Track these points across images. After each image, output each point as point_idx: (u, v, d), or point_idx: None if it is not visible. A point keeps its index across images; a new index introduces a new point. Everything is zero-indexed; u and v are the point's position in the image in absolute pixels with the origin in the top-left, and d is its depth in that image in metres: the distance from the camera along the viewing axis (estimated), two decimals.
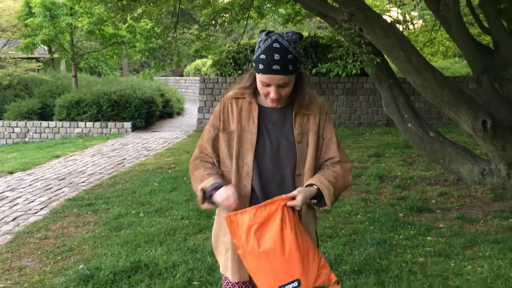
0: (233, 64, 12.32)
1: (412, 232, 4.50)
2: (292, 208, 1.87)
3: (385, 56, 6.57)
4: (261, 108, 1.99)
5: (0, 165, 9.03)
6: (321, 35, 11.89)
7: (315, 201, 1.95)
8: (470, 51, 6.09)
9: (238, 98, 2.00)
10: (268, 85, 1.87)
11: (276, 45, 1.80)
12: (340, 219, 5.02)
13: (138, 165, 8.40)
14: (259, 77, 1.88)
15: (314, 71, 7.53)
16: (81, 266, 3.93)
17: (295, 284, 1.83)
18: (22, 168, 8.45)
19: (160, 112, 14.47)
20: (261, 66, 1.83)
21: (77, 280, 3.67)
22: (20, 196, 6.42)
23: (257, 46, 1.89)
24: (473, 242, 4.22)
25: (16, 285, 3.71)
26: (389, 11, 17.46)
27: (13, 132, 13.31)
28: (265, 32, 1.87)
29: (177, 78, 24.34)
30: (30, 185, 7.09)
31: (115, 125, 12.75)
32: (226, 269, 2.02)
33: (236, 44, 12.72)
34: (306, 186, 1.94)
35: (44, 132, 13.12)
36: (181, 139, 11.39)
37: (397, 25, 7.13)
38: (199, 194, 1.95)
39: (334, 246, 4.21)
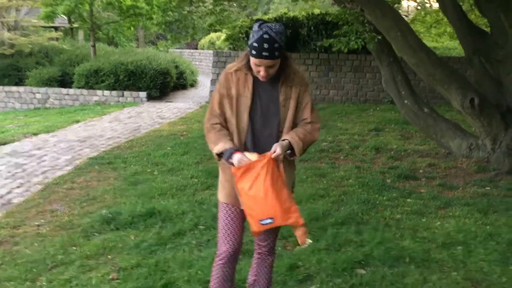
0: (245, 38, 12.76)
1: (395, 194, 5.06)
2: (277, 161, 2.44)
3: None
4: (254, 79, 2.50)
5: (25, 127, 9.71)
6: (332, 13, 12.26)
7: (289, 151, 2.51)
8: (463, 32, 6.52)
9: (237, 71, 2.51)
10: (258, 65, 2.38)
11: (266, 36, 2.30)
12: (333, 182, 5.58)
13: (153, 131, 9.01)
14: (252, 59, 2.39)
15: (319, 44, 7.94)
16: (103, 210, 4.57)
17: (270, 220, 2.36)
18: (45, 130, 9.11)
19: (174, 83, 15.02)
20: (253, 52, 2.34)
21: (101, 221, 4.30)
22: (46, 154, 7.08)
23: (251, 35, 2.37)
24: (447, 205, 4.76)
25: (49, 224, 4.36)
26: None
27: (34, 98, 13.99)
28: (258, 24, 2.35)
29: (192, 51, 24.78)
30: (54, 145, 7.75)
31: (131, 94, 13.35)
32: (223, 197, 2.61)
33: (249, 19, 13.13)
34: (282, 140, 2.47)
35: (64, 99, 13.77)
36: (194, 109, 11.96)
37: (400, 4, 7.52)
38: (215, 155, 2.49)
39: (324, 204, 4.79)
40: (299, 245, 3.87)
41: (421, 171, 6.12)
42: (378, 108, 11.44)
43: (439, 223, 4.26)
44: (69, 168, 6.30)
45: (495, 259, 3.50)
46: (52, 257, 3.66)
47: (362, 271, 3.39)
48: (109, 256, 3.70)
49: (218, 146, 2.46)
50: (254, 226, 2.40)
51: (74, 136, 8.57)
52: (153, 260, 3.57)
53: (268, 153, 2.40)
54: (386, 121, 9.65)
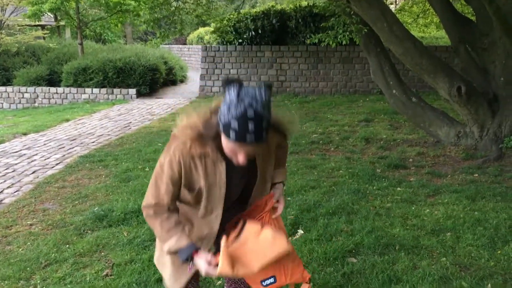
0: (233, 32, 12.75)
1: (385, 184, 5.12)
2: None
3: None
4: (227, 164, 1.87)
5: (14, 127, 9.66)
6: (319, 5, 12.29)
7: None
8: (449, 21, 6.58)
9: (202, 157, 1.85)
10: (237, 150, 1.72)
11: (250, 113, 1.60)
12: (323, 173, 5.63)
13: (143, 128, 9.00)
14: (227, 143, 1.71)
15: (308, 41, 8.00)
16: (96, 208, 4.58)
17: (272, 280, 2.01)
18: (35, 130, 9.07)
19: (164, 79, 14.97)
20: (231, 133, 1.65)
21: (93, 218, 4.32)
22: (37, 154, 7.05)
23: (224, 106, 1.66)
24: (436, 192, 4.83)
25: (41, 223, 4.37)
26: None
27: (22, 97, 13.88)
28: (235, 90, 1.63)
29: (180, 46, 24.70)
30: (44, 144, 7.73)
31: (120, 91, 13.29)
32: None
33: (237, 13, 13.11)
34: (277, 183, 2.16)
35: (53, 97, 13.68)
36: (184, 105, 11.95)
37: None
38: (169, 252, 1.94)
39: (315, 195, 4.83)
40: None
41: (410, 160, 6.19)
42: (367, 99, 11.50)
43: (428, 210, 4.32)
44: (60, 167, 6.29)
45: (483, 244, 3.57)
46: (46, 256, 3.68)
47: (353, 260, 3.44)
48: (103, 253, 3.72)
49: (170, 241, 1.89)
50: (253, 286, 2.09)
51: (64, 134, 8.54)
52: (146, 256, 3.59)
53: (265, 209, 2.07)
54: (376, 111, 9.72)
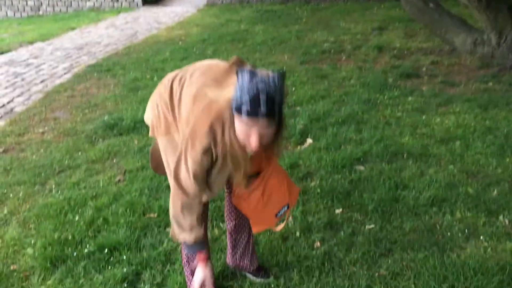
0: None
1: (396, 93, 5.04)
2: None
3: None
4: None
5: (20, 36, 9.49)
6: None
7: None
8: None
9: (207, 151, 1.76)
10: (249, 129, 1.62)
11: (261, 87, 1.55)
12: (334, 83, 5.54)
13: (150, 37, 8.80)
14: (239, 123, 1.64)
15: None
16: (106, 117, 4.60)
17: (285, 208, 2.06)
18: (41, 38, 8.92)
19: None
20: (244, 108, 1.58)
21: (104, 127, 4.35)
22: (44, 63, 6.99)
23: (238, 90, 1.59)
24: (448, 101, 4.75)
25: (53, 131, 4.42)
26: None
27: (26, 5, 13.51)
28: (248, 76, 1.57)
29: None
30: (51, 53, 7.63)
31: None
32: None
33: None
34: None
35: (57, 5, 13.30)
36: (191, 13, 11.58)
37: None
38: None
39: (325, 105, 4.79)
40: (299, 145, 3.94)
41: (424, 69, 6.04)
42: (382, 6, 11.03)
43: (439, 119, 4.28)
44: (68, 76, 6.25)
45: (492, 152, 3.56)
46: (59, 162, 3.76)
47: (361, 168, 3.47)
48: (114, 160, 3.80)
49: (194, 234, 1.88)
50: (266, 225, 2.16)
51: (71, 43, 8.40)
52: None
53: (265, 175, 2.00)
54: (390, 19, 9.36)
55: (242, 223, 2.27)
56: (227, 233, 2.35)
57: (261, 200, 1.99)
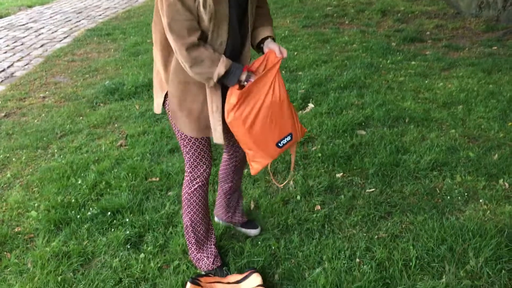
0: None
1: (399, 57, 4.99)
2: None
3: None
4: None
5: None
6: None
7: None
8: None
9: None
10: None
11: None
12: (336, 47, 5.48)
13: (151, 0, 8.65)
14: None
15: None
16: (107, 82, 4.58)
17: (289, 138, 1.94)
18: (40, 2, 8.79)
19: None
20: None
21: (105, 91, 4.34)
22: (43, 27, 6.90)
23: None
24: (452, 65, 4.71)
25: (54, 95, 4.41)
26: None
27: None
28: None
29: None
30: (50, 17, 7.53)
31: None
32: (194, 131, 2.02)
33: None
34: (264, 38, 1.99)
35: None
36: None
37: None
38: (212, 79, 1.84)
39: (327, 69, 4.75)
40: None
41: (427, 33, 5.95)
42: None
43: (441, 84, 4.25)
44: (67, 40, 6.19)
45: (494, 116, 3.55)
46: (61, 127, 3.76)
47: (362, 132, 3.47)
48: (116, 125, 3.80)
49: (221, 63, 1.81)
50: (267, 157, 1.96)
51: (70, 7, 8.27)
52: (158, 128, 3.66)
53: (274, 58, 1.89)
54: None
55: (236, 184, 2.42)
56: (221, 194, 2.46)
57: (258, 113, 1.85)
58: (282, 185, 2.16)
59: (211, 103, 1.93)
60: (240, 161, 2.35)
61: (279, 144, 1.93)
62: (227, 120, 1.88)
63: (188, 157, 2.11)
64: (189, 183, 2.15)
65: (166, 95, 2.01)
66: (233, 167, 2.36)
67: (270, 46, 1.95)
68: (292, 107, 1.97)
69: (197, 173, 2.13)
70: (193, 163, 2.12)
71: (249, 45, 2.00)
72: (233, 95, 1.85)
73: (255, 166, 1.97)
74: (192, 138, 2.05)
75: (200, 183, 2.14)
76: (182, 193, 2.20)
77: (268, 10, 2.09)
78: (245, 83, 1.85)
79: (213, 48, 1.85)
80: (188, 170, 2.14)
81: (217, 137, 1.98)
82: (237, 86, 1.85)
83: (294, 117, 1.95)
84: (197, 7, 1.77)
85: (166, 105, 2.03)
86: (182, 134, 2.05)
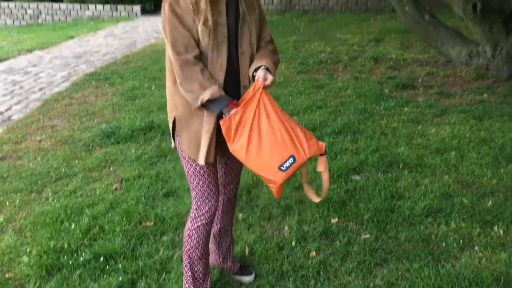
0: None
1: (392, 104, 5.08)
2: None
3: None
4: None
5: (18, 44, 9.53)
6: None
7: None
8: None
9: None
10: None
11: None
12: (330, 93, 5.58)
13: (149, 46, 8.85)
14: None
15: None
16: (103, 125, 4.62)
17: (291, 160, 1.89)
18: (40, 47, 8.95)
19: None
20: None
21: (101, 135, 4.36)
22: (42, 71, 7.01)
23: None
24: (444, 112, 4.80)
25: (50, 138, 4.43)
26: None
27: (26, 13, 13.58)
28: None
29: None
30: (50, 61, 7.66)
31: (124, 8, 12.94)
32: (200, 157, 2.00)
33: None
34: (258, 67, 1.96)
35: (56, 14, 13.38)
36: None
37: None
38: (197, 103, 1.88)
39: (321, 114, 4.82)
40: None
41: (419, 80, 6.09)
42: (378, 18, 11.14)
43: (434, 130, 4.31)
44: (66, 84, 6.28)
45: (487, 163, 3.59)
46: (56, 170, 3.76)
47: (357, 177, 3.49)
48: (111, 168, 3.80)
49: (209, 90, 1.84)
50: (274, 180, 1.91)
51: (69, 52, 8.43)
52: (154, 171, 3.67)
53: (256, 86, 1.90)
54: (387, 30, 9.45)
55: (226, 226, 2.40)
56: (211, 236, 2.42)
57: (249, 140, 1.88)
58: (319, 200, 2.08)
59: (204, 122, 1.96)
60: (226, 201, 2.34)
61: (282, 168, 1.89)
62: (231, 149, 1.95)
63: (195, 192, 2.11)
64: (193, 219, 2.16)
65: (174, 121, 2.04)
66: (224, 205, 2.35)
67: (257, 73, 1.93)
68: (296, 127, 1.95)
69: (202, 210, 2.13)
70: (200, 198, 2.11)
71: (245, 73, 2.00)
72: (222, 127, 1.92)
73: (272, 189, 1.97)
74: (197, 166, 2.03)
75: (203, 221, 2.14)
76: (185, 229, 2.20)
77: (273, 49, 2.08)
78: (224, 115, 1.90)
79: (212, 73, 1.89)
80: (194, 207, 2.15)
81: (200, 156, 1.98)
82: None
83: (295, 139, 1.92)
84: (197, 28, 1.86)
85: (176, 134, 2.06)
86: (188, 161, 2.04)
